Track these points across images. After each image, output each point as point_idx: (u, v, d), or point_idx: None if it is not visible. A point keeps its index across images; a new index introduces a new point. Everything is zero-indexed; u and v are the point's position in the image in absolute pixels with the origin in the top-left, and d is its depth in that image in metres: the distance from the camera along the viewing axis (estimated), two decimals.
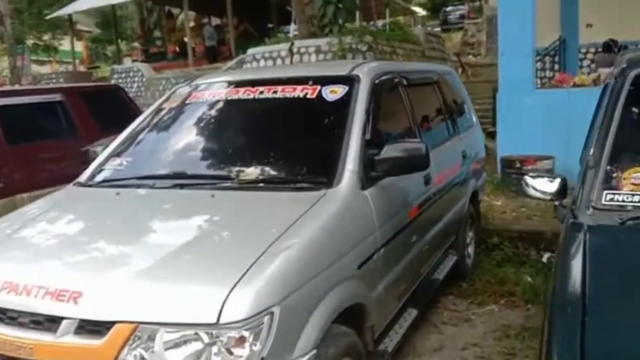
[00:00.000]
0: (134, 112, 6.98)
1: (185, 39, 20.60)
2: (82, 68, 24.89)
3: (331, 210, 2.33)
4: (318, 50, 9.07)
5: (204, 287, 1.85)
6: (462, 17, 26.78)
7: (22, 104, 5.73)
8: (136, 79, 17.32)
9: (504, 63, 6.56)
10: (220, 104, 3.22)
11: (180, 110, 3.32)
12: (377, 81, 3.04)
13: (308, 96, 2.97)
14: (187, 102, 3.32)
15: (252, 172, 2.63)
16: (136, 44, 23.22)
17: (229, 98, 3.20)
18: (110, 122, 6.48)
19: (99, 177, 3.00)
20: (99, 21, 35.35)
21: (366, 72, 3.09)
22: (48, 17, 23.99)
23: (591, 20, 11.43)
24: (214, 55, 18.96)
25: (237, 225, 2.28)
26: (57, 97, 6.05)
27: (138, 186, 2.80)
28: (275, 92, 3.05)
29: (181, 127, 3.27)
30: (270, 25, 22.85)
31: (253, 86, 3.15)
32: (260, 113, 3.13)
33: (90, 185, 2.96)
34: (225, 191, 2.55)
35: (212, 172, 2.82)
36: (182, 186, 2.67)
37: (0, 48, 41.81)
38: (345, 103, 2.88)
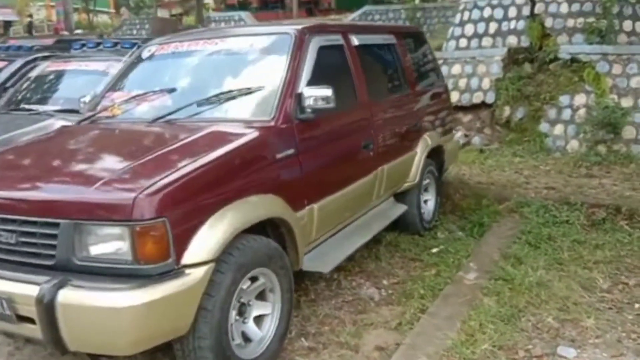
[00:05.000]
0: (435, 63, 5.62)
1: None
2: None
3: None
4: None
5: None
6: None
7: (371, 45, 4.32)
8: None
9: None
10: None
11: None
12: None
13: None
14: None
15: None
16: None
17: None
18: (421, 75, 5.16)
19: None
20: None
21: None
22: None
23: None
24: (310, 7, 17.47)
25: None
26: (391, 39, 4.64)
27: None
28: None
29: None
30: None
31: None
32: None
33: None
34: None
35: None
36: None
37: None
38: None
